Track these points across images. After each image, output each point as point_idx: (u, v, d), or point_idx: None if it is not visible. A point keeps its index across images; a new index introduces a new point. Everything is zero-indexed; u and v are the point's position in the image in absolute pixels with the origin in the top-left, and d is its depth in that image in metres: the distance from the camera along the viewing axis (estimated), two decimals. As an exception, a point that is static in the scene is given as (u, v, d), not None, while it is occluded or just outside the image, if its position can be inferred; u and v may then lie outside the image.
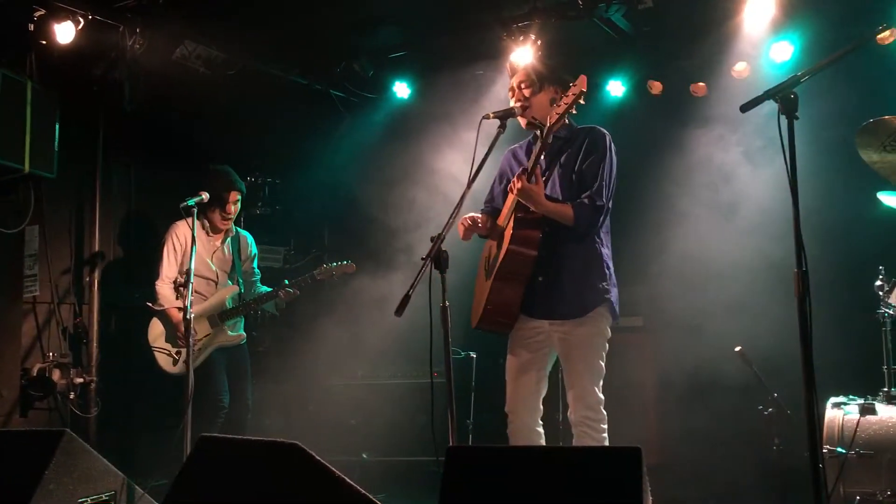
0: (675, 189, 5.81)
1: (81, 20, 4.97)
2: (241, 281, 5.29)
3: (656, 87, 5.94)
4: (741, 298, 5.35)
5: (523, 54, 5.38)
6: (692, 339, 5.60)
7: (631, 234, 5.97)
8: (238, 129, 6.08)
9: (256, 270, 5.45)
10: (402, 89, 6.39)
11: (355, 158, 6.55)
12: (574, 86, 3.47)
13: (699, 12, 5.40)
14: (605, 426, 3.62)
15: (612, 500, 2.48)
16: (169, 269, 5.06)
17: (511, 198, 3.69)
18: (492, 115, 3.72)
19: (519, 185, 3.52)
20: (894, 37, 4.89)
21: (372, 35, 5.87)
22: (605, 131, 3.74)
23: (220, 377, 5.07)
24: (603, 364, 3.67)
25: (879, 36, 4.86)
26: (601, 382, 3.65)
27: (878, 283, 3.92)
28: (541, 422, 3.74)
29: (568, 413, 3.66)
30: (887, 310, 3.88)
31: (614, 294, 3.74)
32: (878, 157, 3.23)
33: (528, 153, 3.87)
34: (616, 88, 6.12)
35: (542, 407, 3.75)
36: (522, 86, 3.77)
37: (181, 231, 5.08)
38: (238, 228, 5.42)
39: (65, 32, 4.96)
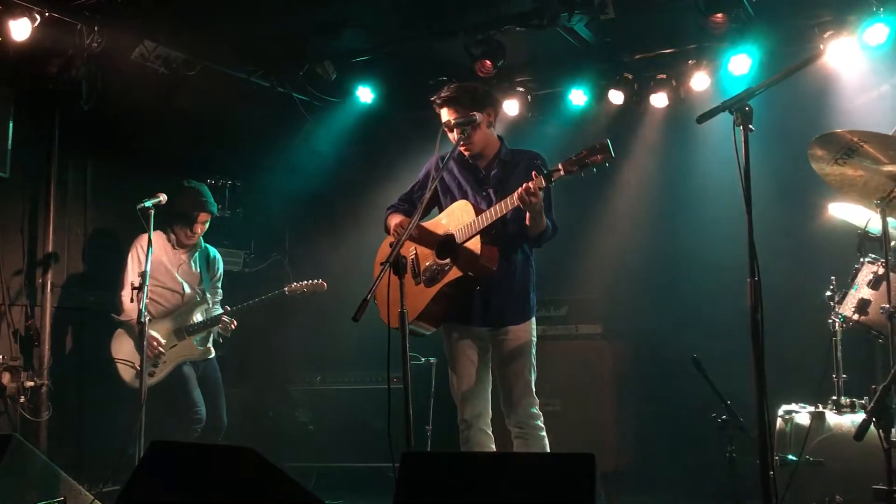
0: (634, 198, 5.89)
1: (38, 17, 4.86)
2: (210, 297, 5.27)
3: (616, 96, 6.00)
4: (697, 307, 5.43)
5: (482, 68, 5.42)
6: (649, 347, 5.68)
7: (590, 242, 6.04)
8: (198, 131, 6.01)
9: (219, 290, 5.42)
10: (365, 94, 6.37)
11: (318, 162, 6.52)
12: (603, 149, 3.43)
13: (659, 24, 5.48)
14: (543, 426, 3.74)
15: (566, 506, 2.49)
16: (133, 280, 4.98)
17: (468, 213, 3.71)
18: (452, 122, 3.75)
19: (528, 193, 3.47)
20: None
21: (336, 39, 5.85)
22: (543, 157, 3.83)
23: (194, 390, 5.02)
24: (533, 367, 3.79)
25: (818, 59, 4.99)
26: (534, 385, 3.78)
27: (829, 293, 4.00)
28: (489, 426, 3.82)
29: (506, 418, 3.72)
30: (837, 319, 3.95)
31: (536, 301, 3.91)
32: (830, 169, 3.30)
33: (465, 167, 3.91)
34: (578, 97, 6.18)
35: (490, 411, 3.83)
36: (459, 123, 3.73)
37: (146, 242, 5.01)
38: (209, 247, 5.40)
39: (21, 29, 4.86)
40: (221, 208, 6.19)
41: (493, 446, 3.82)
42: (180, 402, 4.91)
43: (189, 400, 4.96)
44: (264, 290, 5.28)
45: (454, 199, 3.88)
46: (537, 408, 3.75)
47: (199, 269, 5.25)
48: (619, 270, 5.85)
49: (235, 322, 5.11)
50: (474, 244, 3.64)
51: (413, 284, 3.85)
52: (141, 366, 4.49)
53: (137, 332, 4.66)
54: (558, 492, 2.54)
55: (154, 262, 4.87)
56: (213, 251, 5.42)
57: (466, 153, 3.85)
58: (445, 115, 3.82)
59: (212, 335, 5.23)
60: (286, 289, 5.19)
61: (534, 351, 3.82)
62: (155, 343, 4.88)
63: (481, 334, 3.81)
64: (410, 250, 3.91)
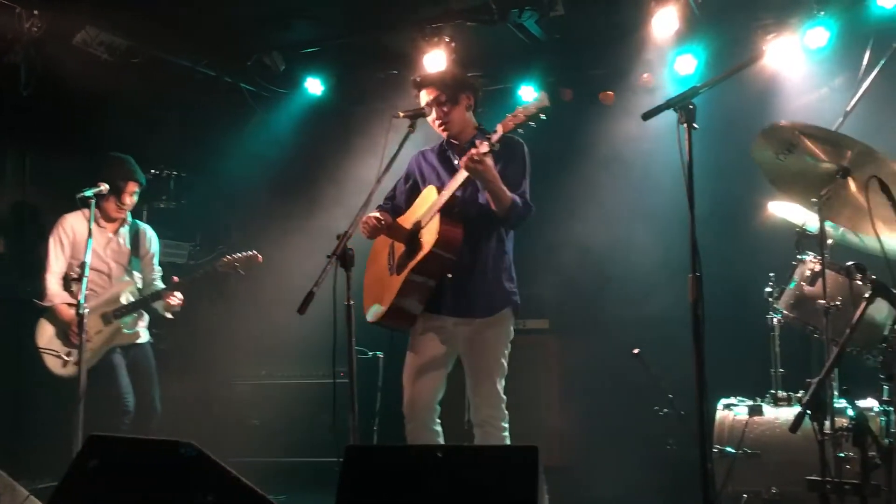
0: (581, 194, 5.94)
1: (-26, -1, 4.73)
2: (139, 276, 5.06)
3: (567, 94, 6.05)
4: (641, 301, 5.51)
5: (435, 60, 5.42)
6: (595, 341, 5.74)
7: (538, 236, 6.08)
8: (142, 120, 5.89)
9: (157, 267, 5.21)
10: (314, 85, 6.31)
11: (265, 153, 6.44)
12: (537, 100, 3.45)
13: (607, 22, 5.54)
14: (507, 425, 3.67)
15: (508, 498, 2.50)
16: (56, 263, 4.83)
17: (432, 196, 3.69)
18: (402, 115, 3.73)
19: (470, 158, 3.42)
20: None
21: (285, 29, 5.79)
22: (522, 141, 3.77)
23: (122, 379, 4.81)
24: (506, 364, 3.71)
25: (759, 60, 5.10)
26: (504, 382, 3.69)
27: (768, 289, 4.09)
28: (438, 421, 3.75)
29: (470, 412, 3.69)
30: (776, 315, 4.05)
31: (518, 294, 3.80)
32: (773, 164, 3.35)
33: (442, 157, 3.89)
34: (528, 94, 6.22)
35: (438, 407, 3.76)
36: (438, 101, 3.76)
37: (69, 223, 4.86)
38: (138, 222, 5.19)
39: (-44, 12, 4.71)
40: (166, 199, 6.08)
41: (441, 440, 3.75)
42: (107, 390, 4.66)
43: (116, 390, 4.75)
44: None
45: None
46: (504, 406, 3.66)
47: (127, 247, 5.01)
48: (567, 266, 5.89)
49: (179, 296, 4.88)
50: (434, 223, 3.59)
51: (385, 277, 3.82)
52: (79, 356, 4.33)
53: (76, 323, 4.53)
54: (501, 484, 2.55)
55: (79, 244, 4.74)
56: (144, 226, 5.18)
57: (444, 133, 3.80)
58: (425, 95, 3.80)
59: (145, 319, 5.03)
60: (218, 264, 4.94)
61: (506, 346, 3.71)
62: (76, 329, 4.60)
63: (450, 324, 3.72)
64: (388, 245, 3.88)
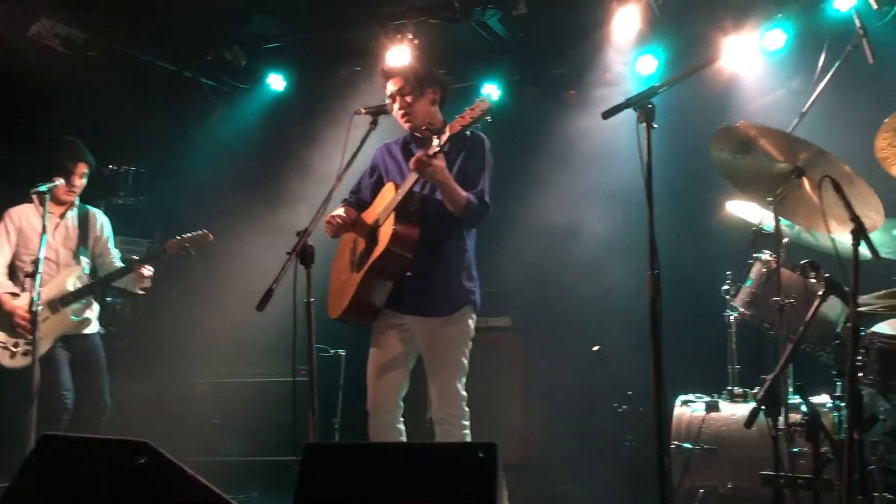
0: (543, 192, 5.97)
1: (-76, -12, 4.61)
2: (87, 261, 4.90)
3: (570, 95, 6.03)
4: (602, 299, 5.56)
5: (398, 56, 5.41)
6: (556, 339, 5.77)
7: (500, 234, 6.10)
8: (100, 114, 5.77)
9: (114, 250, 5.03)
10: (276, 81, 6.27)
11: (226, 149, 6.38)
12: (482, 101, 3.47)
13: (570, 21, 5.58)
14: (468, 423, 3.68)
15: (466, 494, 2.51)
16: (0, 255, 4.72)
17: (391, 194, 3.68)
18: (364, 111, 3.71)
19: (422, 161, 3.44)
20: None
21: (246, 23, 5.73)
22: (484, 136, 3.78)
23: (61, 372, 4.65)
24: (466, 362, 3.71)
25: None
26: (464, 380, 3.70)
27: (726, 287, 4.15)
28: (402, 419, 3.75)
29: (431, 410, 3.69)
30: (732, 313, 4.10)
31: (478, 293, 3.81)
32: (729, 164, 3.40)
33: (405, 151, 3.88)
34: (492, 92, 6.23)
35: (402, 404, 3.76)
36: (402, 91, 3.77)
37: (16, 213, 4.75)
38: (88, 206, 5.02)
39: None
40: (124, 195, 5.98)
41: (404, 438, 3.75)
42: (46, 386, 4.45)
43: (55, 383, 4.59)
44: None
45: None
46: (465, 404, 3.66)
47: (76, 232, 4.87)
48: (529, 264, 5.92)
49: (150, 268, 4.75)
50: (389, 222, 3.59)
51: (347, 273, 3.81)
52: (33, 355, 4.24)
53: (19, 314, 4.44)
54: (460, 481, 2.55)
55: (26, 231, 4.67)
56: (94, 211, 5.02)
57: (407, 125, 3.78)
58: (391, 85, 3.80)
59: (95, 308, 4.89)
60: (167, 244, 4.79)
61: (466, 345, 3.71)
62: (20, 316, 4.54)
63: (410, 323, 3.72)
64: (351, 243, 3.86)
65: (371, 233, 3.72)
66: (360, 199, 3.96)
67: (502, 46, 5.90)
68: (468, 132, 3.56)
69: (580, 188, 5.84)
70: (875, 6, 4.49)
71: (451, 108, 6.20)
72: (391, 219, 3.58)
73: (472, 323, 3.76)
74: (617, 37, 5.47)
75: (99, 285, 4.85)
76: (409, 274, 3.64)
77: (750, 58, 5.39)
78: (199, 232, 4.86)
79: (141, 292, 4.93)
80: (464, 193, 3.57)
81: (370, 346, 3.81)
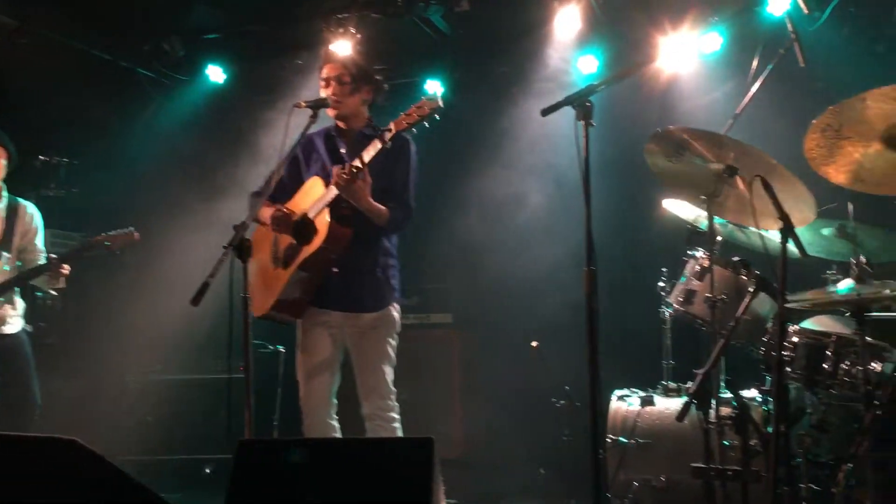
0: (485, 188, 6.01)
1: None
2: (9, 256, 4.64)
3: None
4: (540, 295, 5.61)
5: (342, 47, 5.36)
6: (497, 336, 5.81)
7: (443, 232, 6.11)
8: (32, 104, 5.61)
9: (41, 247, 4.78)
10: (216, 73, 6.15)
11: (163, 142, 6.24)
12: (430, 100, 3.47)
13: (512, 19, 5.61)
14: (398, 416, 3.71)
15: (402, 490, 2.50)
16: None
17: (318, 188, 3.64)
18: (304, 104, 3.67)
19: (345, 180, 3.45)
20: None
21: (186, 14, 5.62)
22: (409, 137, 3.76)
23: None
24: (394, 356, 3.75)
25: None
26: (392, 374, 3.74)
27: (661, 283, 4.22)
28: (335, 415, 3.75)
29: (361, 407, 3.70)
30: (667, 309, 4.18)
31: (398, 290, 3.85)
32: (664, 165, 3.47)
33: (329, 143, 3.85)
34: (434, 88, 6.23)
35: (335, 401, 3.76)
36: (340, 79, 3.75)
37: None
38: (18, 198, 4.78)
39: None
40: (55, 187, 5.80)
41: (339, 434, 3.75)
42: None
43: None
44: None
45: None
46: (394, 398, 3.70)
47: (2, 224, 4.63)
48: (470, 261, 5.95)
49: (67, 267, 4.53)
50: (322, 219, 3.56)
51: (271, 269, 3.75)
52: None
53: None
54: (396, 477, 2.55)
55: None
56: (24, 203, 4.77)
57: (333, 111, 3.75)
58: (328, 70, 3.77)
59: (19, 306, 4.66)
60: (91, 240, 4.63)
61: (393, 339, 3.76)
62: None
63: (337, 319, 3.72)
64: (271, 236, 3.79)
65: (298, 229, 3.69)
66: (279, 194, 3.83)
67: (445, 43, 5.90)
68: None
69: (521, 185, 5.88)
70: (805, 10, 4.61)
71: (394, 105, 6.21)
72: (325, 217, 3.56)
73: (398, 317, 3.80)
74: (558, 36, 5.52)
75: (14, 284, 4.60)
76: (335, 270, 3.64)
77: (688, 60, 5.49)
78: (125, 230, 4.68)
79: (54, 293, 4.75)
80: (384, 209, 3.60)
81: (297, 345, 3.81)
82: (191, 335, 5.50)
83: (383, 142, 3.48)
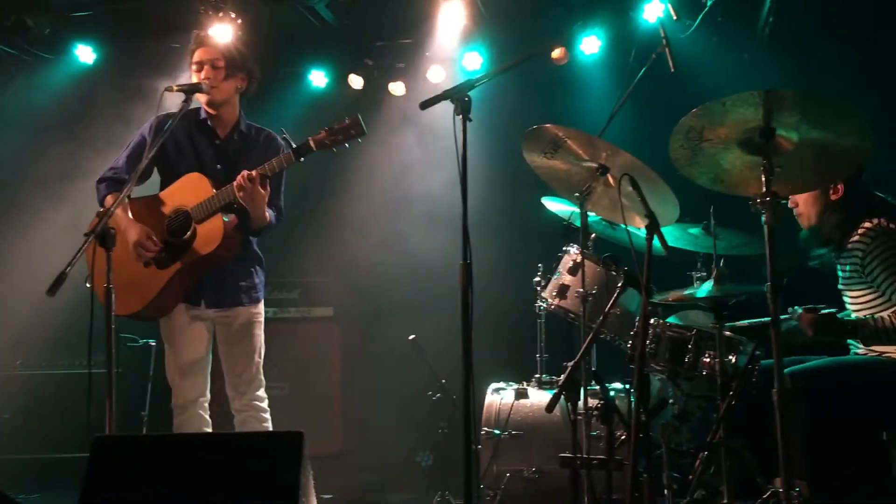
0: (368, 182, 5.98)
1: None
2: None
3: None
4: (420, 289, 5.64)
5: (221, 32, 5.20)
6: (377, 329, 5.80)
7: (323, 226, 6.05)
8: None
9: None
10: (85, 53, 5.84)
11: (27, 123, 5.89)
12: (356, 125, 3.47)
13: (398, 12, 5.59)
14: (268, 410, 3.71)
15: (269, 484, 2.45)
16: None
17: (203, 187, 3.56)
18: (175, 88, 3.57)
19: (251, 188, 3.42)
20: (566, 57, 5.45)
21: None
22: (277, 135, 3.75)
23: None
24: (263, 349, 3.75)
25: (553, 55, 5.39)
26: (261, 368, 3.73)
27: (537, 278, 4.29)
28: (208, 410, 3.70)
29: (231, 401, 3.64)
30: (542, 303, 4.26)
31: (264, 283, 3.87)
32: (540, 161, 3.53)
33: (199, 134, 3.75)
34: (319, 79, 6.15)
35: (208, 395, 3.72)
36: (214, 63, 3.66)
37: None
38: None
39: None
40: None
41: (210, 429, 3.70)
42: None
43: None
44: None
45: (190, 168, 3.66)
46: (263, 391, 3.72)
47: None
48: (352, 253, 5.91)
49: None
50: (215, 223, 3.51)
51: (138, 267, 3.60)
52: None
53: None
54: (264, 471, 2.50)
55: None
56: None
57: (205, 98, 3.64)
58: (201, 53, 3.68)
59: None
60: None
61: (262, 332, 3.77)
62: None
63: (207, 315, 3.68)
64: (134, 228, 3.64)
65: (176, 224, 3.57)
66: (119, 178, 3.72)
67: (330, 33, 5.81)
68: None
69: (402, 178, 5.89)
70: (674, 16, 4.80)
71: (278, 95, 6.10)
72: (218, 221, 3.50)
73: (263, 311, 3.81)
74: (443, 31, 5.54)
75: None
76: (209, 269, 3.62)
77: (568, 61, 5.61)
78: None
79: None
80: (269, 216, 3.59)
81: (166, 342, 3.73)
82: (51, 328, 5.23)
83: (297, 157, 3.48)
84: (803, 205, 3.72)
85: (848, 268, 3.63)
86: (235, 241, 3.59)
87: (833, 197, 3.64)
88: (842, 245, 3.65)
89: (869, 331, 3.47)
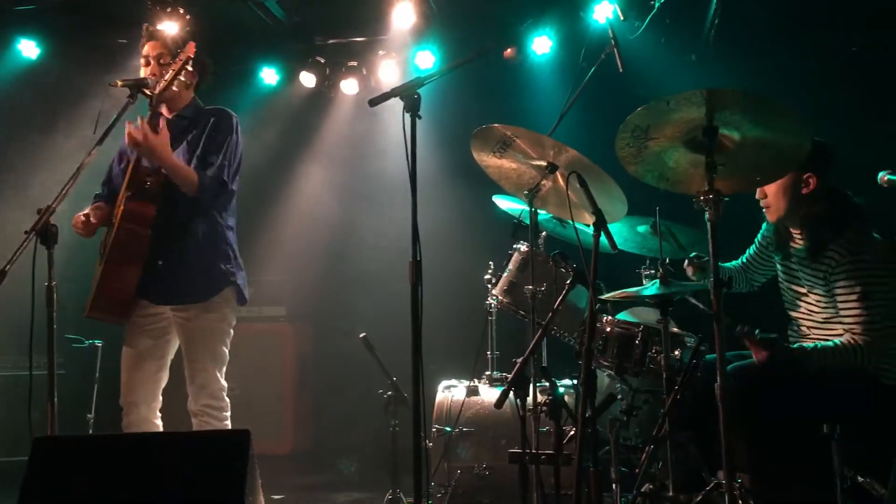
0: (320, 180, 5.95)
1: None
2: None
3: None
4: (371, 288, 5.64)
5: (169, 27, 5.12)
6: (329, 328, 5.78)
7: (276, 223, 6.00)
8: None
9: None
10: (29, 48, 5.72)
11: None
12: (182, 52, 3.41)
13: (349, 10, 5.57)
14: (228, 413, 3.59)
15: (214, 484, 2.43)
16: None
17: (128, 173, 3.49)
18: (120, 84, 3.49)
19: (140, 135, 3.29)
20: (516, 55, 5.49)
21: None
22: (233, 113, 3.67)
23: None
24: (227, 350, 3.62)
25: (505, 53, 5.42)
26: (224, 369, 3.60)
27: (487, 276, 4.32)
28: (159, 414, 3.59)
29: (188, 402, 3.55)
30: (493, 301, 4.28)
31: (241, 277, 3.68)
32: (489, 160, 3.55)
33: (151, 127, 3.67)
34: (270, 76, 6.11)
35: (161, 398, 3.60)
36: (160, 59, 3.61)
37: None
38: None
39: None
40: None
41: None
42: None
43: None
44: None
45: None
46: (224, 393, 3.57)
47: None
48: (303, 252, 5.88)
49: None
50: (121, 200, 3.42)
51: (97, 267, 3.54)
52: None
53: None
54: (208, 469, 2.47)
55: None
56: None
57: (154, 91, 3.53)
58: (150, 48, 3.62)
59: None
60: None
61: (227, 332, 3.61)
62: None
63: (165, 312, 3.55)
64: (104, 235, 3.61)
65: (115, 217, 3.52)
66: (112, 190, 3.70)
67: (280, 30, 5.78)
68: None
69: (353, 176, 5.88)
70: (622, 17, 4.86)
71: (229, 92, 6.04)
72: (122, 197, 3.42)
73: (232, 309, 3.64)
74: (395, 29, 5.55)
75: None
76: (161, 263, 3.48)
77: (520, 61, 5.66)
78: None
79: None
80: (191, 171, 3.44)
81: (125, 337, 3.60)
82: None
83: (154, 112, 3.43)
84: (772, 197, 3.54)
85: (810, 269, 3.48)
86: (143, 216, 3.39)
87: (804, 191, 3.45)
88: (816, 249, 3.44)
89: (820, 358, 3.30)
